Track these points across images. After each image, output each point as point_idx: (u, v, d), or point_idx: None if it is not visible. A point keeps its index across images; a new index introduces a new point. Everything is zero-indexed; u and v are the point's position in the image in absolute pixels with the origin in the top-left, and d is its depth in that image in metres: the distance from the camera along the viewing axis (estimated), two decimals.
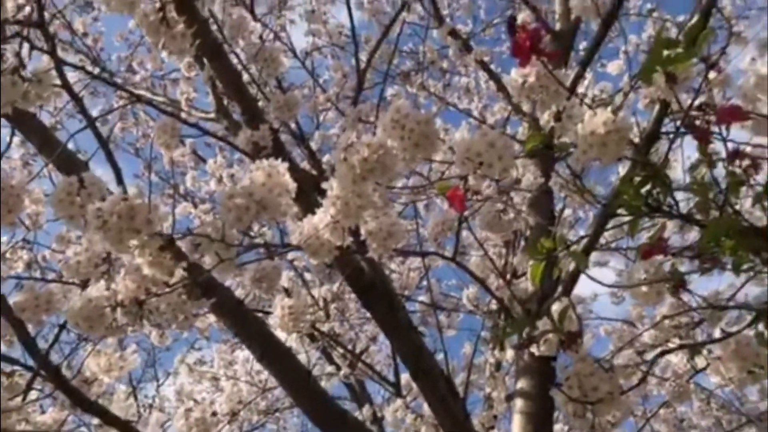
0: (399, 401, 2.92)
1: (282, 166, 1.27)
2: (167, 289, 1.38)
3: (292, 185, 1.28)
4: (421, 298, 3.54)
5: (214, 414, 3.64)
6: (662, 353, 1.16)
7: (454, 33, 2.94)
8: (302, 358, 3.18)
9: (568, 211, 3.40)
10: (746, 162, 1.10)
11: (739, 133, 1.56)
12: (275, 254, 2.75)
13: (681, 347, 1.20)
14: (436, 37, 3.20)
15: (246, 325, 1.99)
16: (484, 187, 1.18)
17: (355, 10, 3.24)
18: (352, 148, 0.95)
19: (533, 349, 1.04)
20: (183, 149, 3.75)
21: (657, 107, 2.00)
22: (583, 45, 3.74)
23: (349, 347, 3.75)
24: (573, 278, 2.09)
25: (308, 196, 1.75)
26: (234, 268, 1.45)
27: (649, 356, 1.29)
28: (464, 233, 3.38)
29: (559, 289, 1.94)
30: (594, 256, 3.80)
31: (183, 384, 3.49)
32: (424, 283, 2.96)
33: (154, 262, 1.06)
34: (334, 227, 1.32)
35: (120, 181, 2.62)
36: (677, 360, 2.32)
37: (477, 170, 1.08)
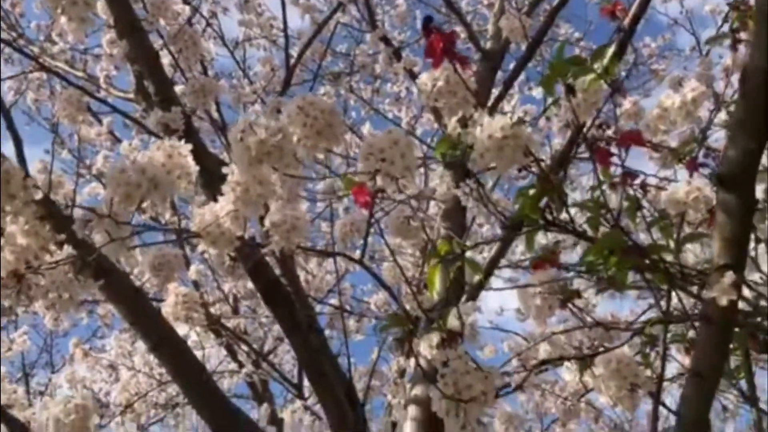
0: (298, 402, 2.89)
1: (185, 148, 1.23)
2: (51, 264, 1.31)
3: (194, 168, 1.24)
4: (333, 301, 3.53)
5: (104, 405, 3.50)
6: (542, 363, 1.18)
7: (386, 39, 2.96)
8: (206, 353, 3.12)
9: (484, 229, 3.46)
10: (637, 184, 1.15)
11: (647, 164, 1.62)
12: (175, 241, 2.69)
13: (561, 358, 1.22)
14: (369, 42, 3.21)
15: (142, 315, 1.91)
16: (393, 191, 1.17)
17: (289, 5, 3.22)
18: (250, 129, 0.93)
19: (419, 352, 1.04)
20: (100, 128, 3.62)
21: (569, 132, 2.07)
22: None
23: (257, 346, 3.69)
24: (477, 289, 2.13)
25: (219, 184, 1.71)
26: (125, 250, 1.40)
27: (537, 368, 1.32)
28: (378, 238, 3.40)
29: (463, 298, 1.96)
30: (505, 273, 3.89)
31: (76, 371, 3.34)
32: (338, 287, 2.94)
33: (30, 232, 1.00)
34: (235, 216, 1.29)
35: (20, 150, 2.50)
36: (570, 378, 2.39)
37: (379, 167, 1.08)
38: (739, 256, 0.80)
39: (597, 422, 2.84)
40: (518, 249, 3.44)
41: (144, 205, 1.68)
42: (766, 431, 1.44)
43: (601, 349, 1.39)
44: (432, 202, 2.81)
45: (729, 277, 0.78)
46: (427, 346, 0.97)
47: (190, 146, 1.26)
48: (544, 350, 2.53)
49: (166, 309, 1.49)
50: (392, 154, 1.04)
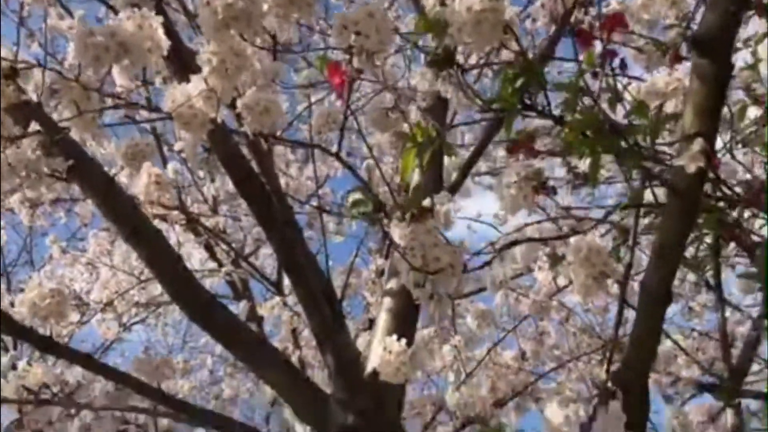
0: (277, 299, 2.93)
1: (156, 20, 1.18)
2: (19, 141, 1.28)
3: (165, 42, 1.20)
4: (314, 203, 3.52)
5: (85, 304, 3.53)
6: (513, 243, 1.19)
7: None
8: (185, 253, 3.12)
9: (465, 129, 3.44)
10: (617, 65, 1.13)
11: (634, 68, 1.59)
12: (149, 122, 2.62)
13: (530, 239, 1.23)
14: None
15: (115, 204, 1.89)
16: (370, 70, 1.14)
17: None
18: None
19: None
20: (71, 21, 3.48)
21: (553, 26, 2.02)
22: None
23: (237, 247, 3.71)
24: (455, 186, 2.13)
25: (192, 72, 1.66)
26: (96, 126, 1.36)
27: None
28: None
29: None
30: (485, 180, 3.90)
31: (54, 268, 3.35)
32: (320, 192, 2.92)
33: None
34: (207, 96, 1.26)
35: None
36: (543, 277, 2.44)
37: (354, 42, 1.05)
38: (711, 124, 0.79)
39: (567, 321, 2.93)
40: (499, 154, 3.44)
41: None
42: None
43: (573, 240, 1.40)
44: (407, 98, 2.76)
45: (698, 144, 0.77)
46: (397, 223, 0.97)
47: (161, 18, 1.21)
48: (517, 250, 2.57)
49: (139, 189, 1.47)
50: (367, 27, 1.01)
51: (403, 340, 1.41)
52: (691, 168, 0.77)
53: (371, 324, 2.94)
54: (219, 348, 4.55)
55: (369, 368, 1.89)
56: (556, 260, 1.88)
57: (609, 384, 1.01)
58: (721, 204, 1.06)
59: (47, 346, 1.77)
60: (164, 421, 5.48)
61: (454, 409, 2.92)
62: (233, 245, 3.48)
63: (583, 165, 1.13)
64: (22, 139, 1.24)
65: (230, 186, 3.80)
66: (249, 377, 4.59)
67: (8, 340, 4.27)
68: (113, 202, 1.89)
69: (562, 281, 2.43)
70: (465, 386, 2.60)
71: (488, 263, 1.12)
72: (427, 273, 0.86)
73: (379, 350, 1.50)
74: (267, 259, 4.49)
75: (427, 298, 0.87)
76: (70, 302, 1.97)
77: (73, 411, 2.87)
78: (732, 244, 1.24)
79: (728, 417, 2.56)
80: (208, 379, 4.83)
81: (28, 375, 2.59)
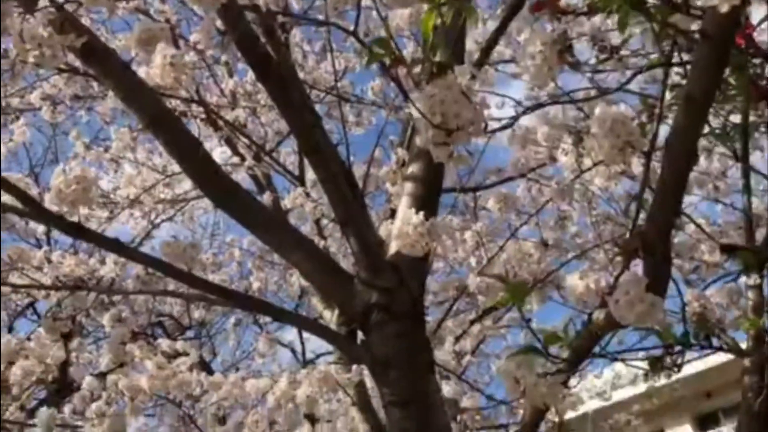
0: (299, 189, 2.95)
1: None
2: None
3: None
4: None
5: (112, 202, 3.58)
6: (539, 105, 1.17)
7: None
8: (207, 148, 3.12)
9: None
10: None
11: None
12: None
13: (555, 102, 1.20)
14: None
15: (134, 90, 1.88)
16: None
17: None
18: None
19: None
20: None
21: None
22: None
23: (257, 141, 3.70)
24: (476, 65, 2.07)
25: None
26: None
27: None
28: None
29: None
30: (510, 68, 3.79)
31: (79, 165, 3.39)
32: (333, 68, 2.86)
33: None
34: None
35: None
36: (566, 160, 2.41)
37: None
38: None
39: (590, 205, 2.92)
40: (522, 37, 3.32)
41: None
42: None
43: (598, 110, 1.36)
44: None
45: None
46: (416, 79, 0.94)
47: None
48: (542, 135, 2.53)
49: (154, 71, 1.45)
50: None
51: (422, 213, 1.41)
52: (724, 7, 0.72)
53: (393, 214, 2.96)
54: (246, 242, 4.65)
55: (391, 248, 1.91)
56: (579, 139, 1.85)
57: (631, 246, 1.01)
58: (753, 60, 1.01)
59: (78, 232, 1.81)
60: (196, 314, 5.69)
61: (476, 292, 2.98)
62: (254, 140, 3.47)
63: (611, 22, 1.08)
64: (33, 14, 1.22)
65: (249, 83, 3.76)
66: (276, 270, 4.70)
67: (42, 236, 4.40)
68: (131, 88, 1.89)
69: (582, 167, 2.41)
70: (487, 270, 2.64)
71: (510, 125, 1.09)
72: (447, 131, 0.84)
73: (398, 224, 1.51)
74: (288, 157, 4.49)
75: (447, 157, 0.85)
76: (96, 194, 1.99)
77: (107, 300, 2.98)
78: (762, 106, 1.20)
79: (750, 297, 2.57)
80: (237, 274, 4.96)
81: (62, 265, 2.68)
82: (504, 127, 1.06)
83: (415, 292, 1.92)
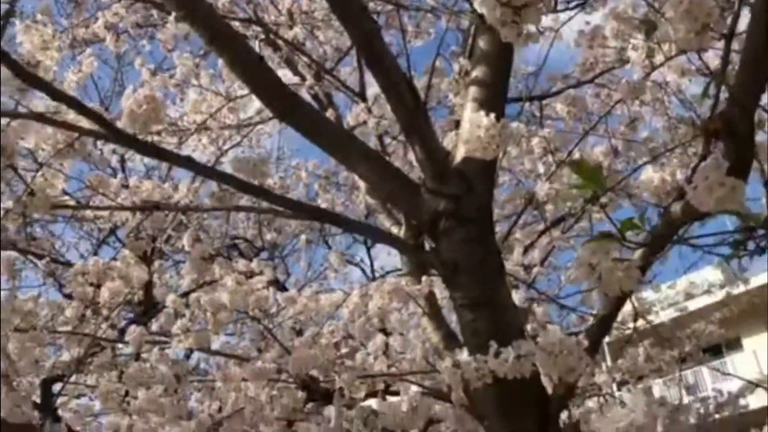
0: (361, 105, 2.93)
1: None
2: None
3: None
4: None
5: (180, 129, 3.66)
6: None
7: None
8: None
9: None
10: None
11: None
12: None
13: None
14: None
15: (193, 6, 1.89)
16: None
17: None
18: None
19: None
20: None
21: None
22: None
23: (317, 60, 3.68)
24: None
25: None
26: None
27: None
28: None
29: None
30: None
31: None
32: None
33: None
34: None
35: None
36: (636, 56, 2.30)
37: None
38: None
39: (662, 104, 2.80)
40: None
41: None
42: None
43: None
44: None
45: None
46: None
47: None
48: (610, 31, 2.41)
49: None
50: None
51: (492, 114, 1.39)
52: None
53: (457, 125, 2.93)
54: (311, 165, 4.70)
55: (457, 155, 1.90)
56: (651, 27, 1.76)
57: (713, 126, 0.97)
58: None
59: (154, 151, 1.87)
60: (268, 236, 5.85)
61: (544, 200, 2.94)
62: (314, 59, 3.45)
63: None
64: None
65: (305, 1, 3.70)
66: (343, 192, 4.76)
67: (117, 164, 4.56)
68: (191, 7, 1.89)
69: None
70: (555, 178, 2.59)
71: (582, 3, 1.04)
72: (515, 8, 0.81)
73: (467, 127, 1.49)
74: (349, 76, 4.45)
75: (516, 36, 0.82)
76: (165, 114, 2.04)
77: (185, 221, 3.10)
78: None
79: None
80: (304, 197, 5.04)
81: (139, 190, 2.79)
82: (576, 6, 1.01)
83: (482, 198, 1.91)
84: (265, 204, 2.01)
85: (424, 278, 2.88)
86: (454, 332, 3.09)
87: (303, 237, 5.17)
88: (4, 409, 2.38)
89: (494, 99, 1.98)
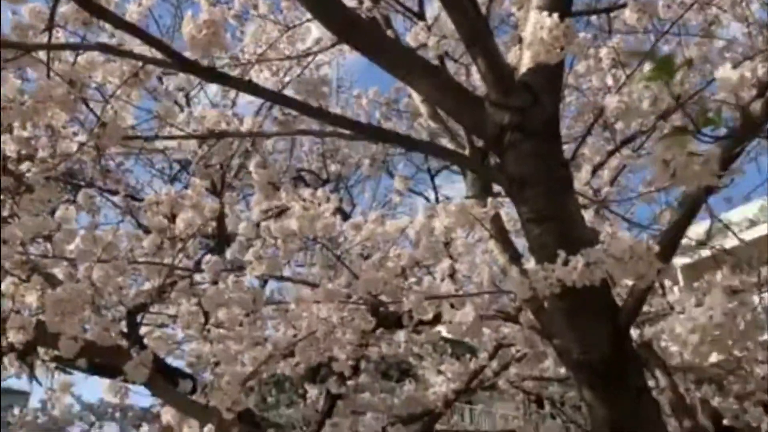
0: (421, 24, 2.86)
1: None
2: None
3: None
4: None
5: (240, 63, 3.67)
6: None
7: None
8: None
9: None
10: None
11: None
12: None
13: None
14: None
15: None
16: None
17: None
18: None
19: None
20: None
21: None
22: None
23: None
24: None
25: None
26: None
27: None
28: None
29: None
30: None
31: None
32: None
33: None
34: None
35: None
36: None
37: None
38: None
39: (742, 6, 2.62)
40: None
41: None
42: None
43: None
44: None
45: None
46: None
47: None
48: None
49: None
50: None
51: (556, 15, 1.33)
52: None
53: (520, 40, 2.83)
54: (372, 93, 4.67)
55: (522, 66, 1.84)
56: None
57: None
58: None
59: (218, 77, 1.88)
60: (333, 168, 5.88)
61: (614, 119, 2.83)
62: None
63: None
64: None
65: None
66: (404, 119, 4.73)
67: (182, 101, 4.64)
68: None
69: None
70: (626, 90, 2.48)
71: None
72: None
73: (531, 30, 1.43)
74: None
75: None
76: (224, 36, 2.04)
77: (251, 147, 3.15)
78: None
79: None
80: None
81: (205, 120, 2.84)
82: None
83: (549, 110, 1.86)
84: (329, 128, 2.01)
85: (489, 200, 2.85)
86: (521, 254, 3.07)
87: (366, 162, 5.17)
88: (94, 332, 2.54)
89: (558, 3, 1.89)
